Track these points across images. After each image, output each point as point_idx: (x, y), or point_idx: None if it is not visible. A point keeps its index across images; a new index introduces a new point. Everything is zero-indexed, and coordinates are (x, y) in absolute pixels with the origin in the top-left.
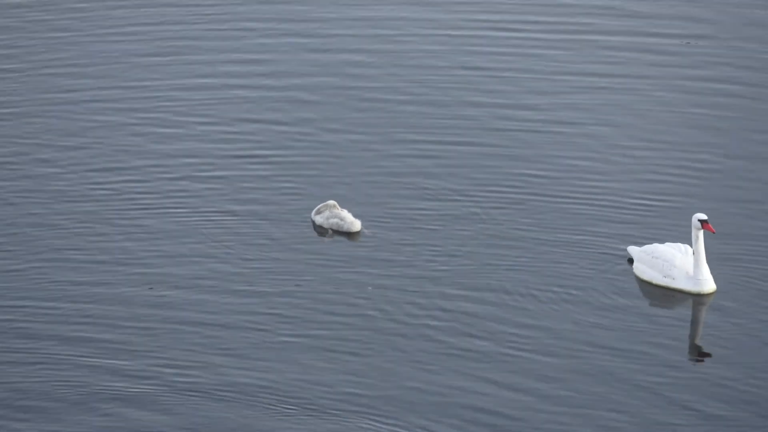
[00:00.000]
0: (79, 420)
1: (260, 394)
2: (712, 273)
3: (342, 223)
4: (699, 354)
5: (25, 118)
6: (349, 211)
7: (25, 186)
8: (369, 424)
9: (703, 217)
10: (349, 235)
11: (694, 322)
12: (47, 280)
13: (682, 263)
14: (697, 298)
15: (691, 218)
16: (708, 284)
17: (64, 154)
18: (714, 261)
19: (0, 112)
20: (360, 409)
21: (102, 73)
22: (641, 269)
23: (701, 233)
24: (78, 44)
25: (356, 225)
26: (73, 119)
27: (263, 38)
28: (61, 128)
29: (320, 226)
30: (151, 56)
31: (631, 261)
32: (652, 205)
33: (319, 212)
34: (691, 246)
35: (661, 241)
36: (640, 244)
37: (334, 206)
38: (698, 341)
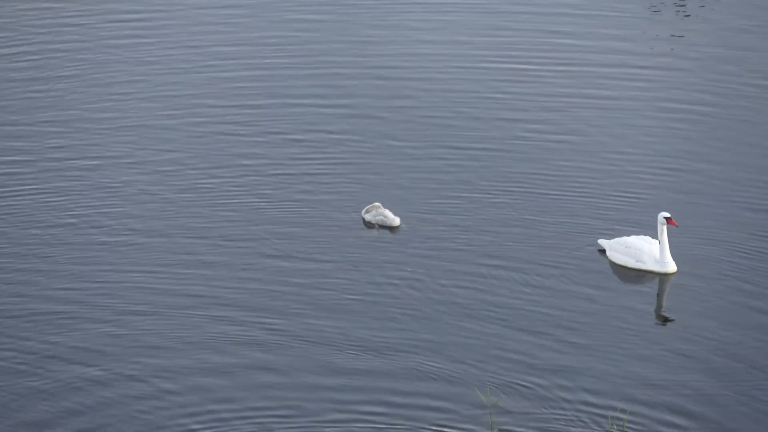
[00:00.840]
0: (191, 353)
1: (329, 338)
2: (673, 258)
3: (385, 219)
4: (665, 318)
5: (127, 125)
6: (391, 210)
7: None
8: (416, 361)
9: (667, 215)
10: (391, 228)
11: (660, 295)
12: (167, 251)
13: (649, 250)
14: (663, 277)
15: (656, 216)
16: (671, 266)
17: (159, 157)
18: (674, 249)
19: (103, 118)
20: (407, 350)
21: (186, 83)
22: (616, 257)
23: (665, 227)
24: (161, 51)
25: (396, 221)
26: (172, 128)
27: (323, 56)
28: (156, 132)
29: (369, 222)
30: (228, 70)
31: (602, 251)
32: (624, 205)
33: (367, 211)
34: (653, 238)
35: (629, 234)
36: (611, 237)
37: (379, 207)
38: (664, 310)
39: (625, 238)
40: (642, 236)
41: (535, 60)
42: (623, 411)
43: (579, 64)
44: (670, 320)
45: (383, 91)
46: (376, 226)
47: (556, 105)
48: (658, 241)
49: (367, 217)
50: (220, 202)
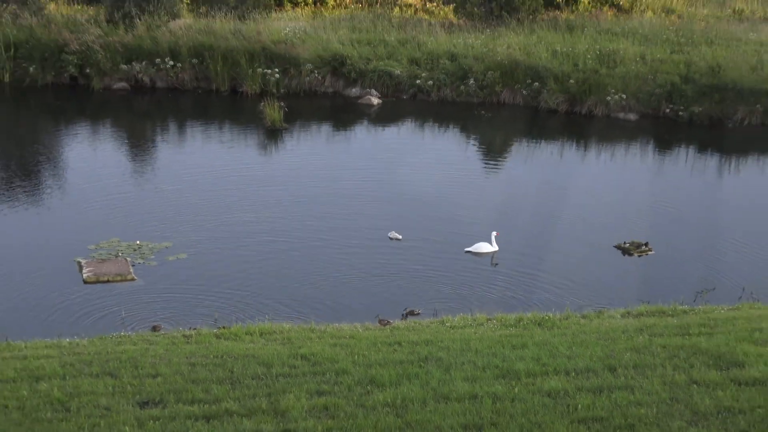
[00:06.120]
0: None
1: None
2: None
3: (397, 236)
4: (494, 265)
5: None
6: (397, 232)
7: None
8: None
9: (496, 232)
10: (398, 240)
11: (493, 259)
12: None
13: (488, 246)
14: (494, 253)
15: (489, 233)
16: (497, 247)
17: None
18: (499, 242)
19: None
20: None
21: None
22: (477, 249)
23: (494, 236)
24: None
25: (400, 236)
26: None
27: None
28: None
29: (390, 238)
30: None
31: (468, 252)
32: (474, 230)
33: (389, 233)
34: (488, 242)
35: (479, 241)
36: (471, 244)
37: (393, 232)
38: (495, 262)
39: (479, 243)
40: (484, 242)
41: (455, 166)
42: (480, 311)
43: (448, 166)
44: (496, 264)
45: (381, 185)
46: (393, 238)
47: (457, 180)
48: (491, 241)
49: (390, 235)
50: (309, 214)
